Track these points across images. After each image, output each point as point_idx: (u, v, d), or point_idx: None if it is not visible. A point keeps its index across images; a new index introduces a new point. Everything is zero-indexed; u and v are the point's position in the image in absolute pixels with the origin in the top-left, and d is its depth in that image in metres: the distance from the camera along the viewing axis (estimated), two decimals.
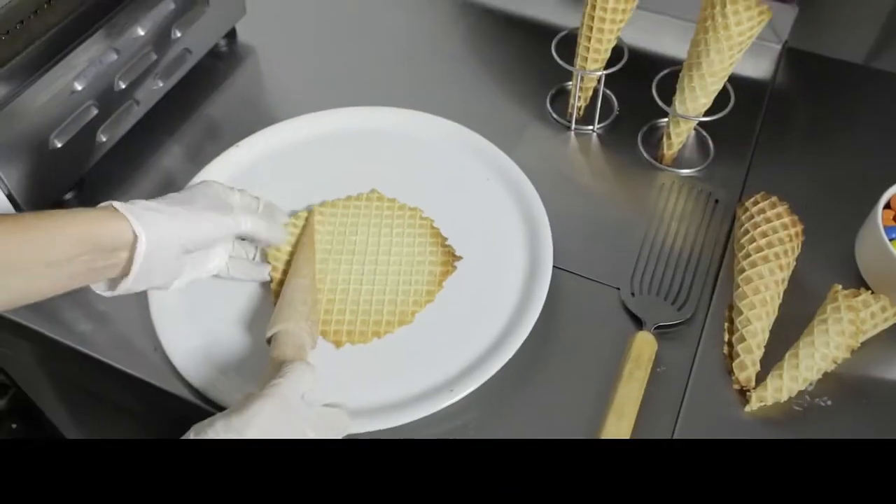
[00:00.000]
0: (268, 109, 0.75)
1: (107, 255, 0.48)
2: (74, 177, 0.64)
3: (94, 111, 0.62)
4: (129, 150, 0.70)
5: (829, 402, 0.54)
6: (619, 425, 0.51)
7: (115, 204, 0.48)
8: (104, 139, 0.65)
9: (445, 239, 0.61)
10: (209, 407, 0.54)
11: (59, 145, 0.60)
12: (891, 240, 0.56)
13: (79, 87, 0.60)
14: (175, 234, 0.50)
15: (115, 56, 0.62)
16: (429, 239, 0.61)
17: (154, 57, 0.67)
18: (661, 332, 0.57)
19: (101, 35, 0.61)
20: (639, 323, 0.58)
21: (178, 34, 0.69)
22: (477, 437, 0.53)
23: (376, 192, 0.64)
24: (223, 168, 0.66)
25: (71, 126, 0.61)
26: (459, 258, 0.60)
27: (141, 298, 0.58)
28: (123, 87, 0.65)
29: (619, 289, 0.60)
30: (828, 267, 0.60)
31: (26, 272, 0.46)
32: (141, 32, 0.64)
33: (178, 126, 0.74)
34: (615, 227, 0.64)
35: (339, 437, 0.50)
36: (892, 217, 0.58)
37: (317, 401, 0.50)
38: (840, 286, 0.55)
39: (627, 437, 0.51)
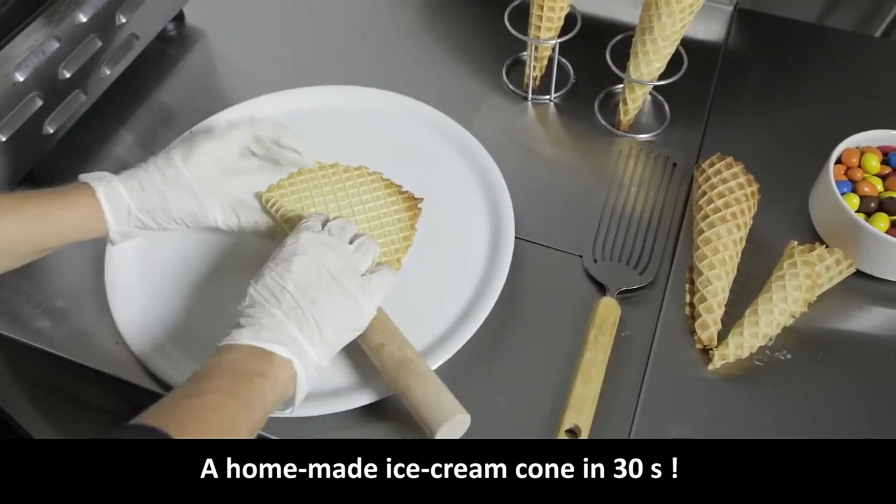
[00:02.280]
0: (221, 93, 0.74)
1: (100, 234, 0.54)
2: (22, 171, 0.63)
3: (39, 102, 0.61)
4: (80, 141, 0.68)
5: (788, 356, 0.55)
6: (586, 390, 0.52)
7: (100, 196, 0.52)
8: (51, 131, 0.63)
9: (400, 186, 0.61)
10: None
11: (4, 139, 0.58)
12: (842, 194, 0.57)
13: (20, 78, 0.58)
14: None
15: (56, 44, 0.60)
16: (384, 191, 0.61)
17: (99, 44, 0.65)
18: (625, 297, 0.58)
19: (40, 23, 0.59)
20: (602, 289, 0.58)
21: (123, 19, 0.67)
22: None
23: (317, 163, 0.63)
24: None
25: (15, 119, 0.59)
26: (421, 199, 0.61)
27: (99, 293, 0.58)
28: (68, 76, 0.63)
29: (581, 256, 0.60)
30: (784, 224, 0.62)
31: (20, 257, 0.51)
32: (83, 19, 0.62)
33: (129, 114, 0.72)
34: (575, 195, 0.65)
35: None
36: (843, 172, 0.59)
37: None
38: (796, 242, 0.56)
39: (595, 400, 0.52)
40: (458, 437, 0.49)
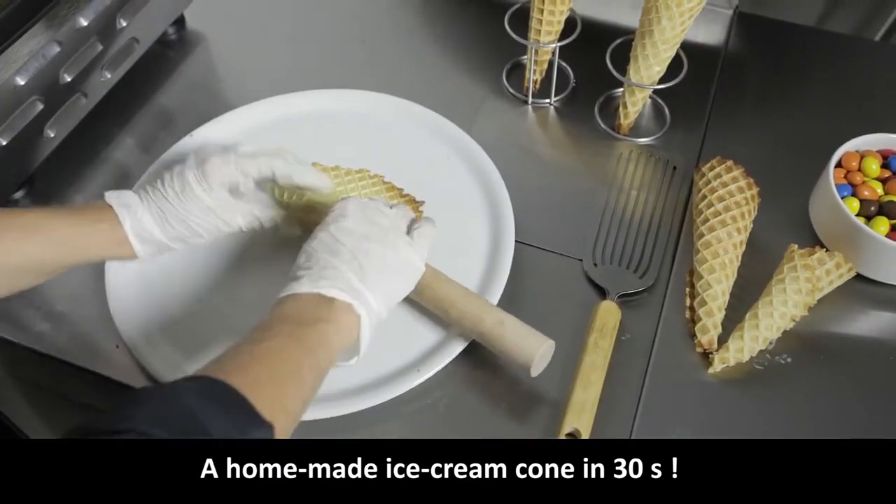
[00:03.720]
0: (221, 96, 0.74)
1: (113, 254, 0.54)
2: (23, 174, 0.63)
3: (40, 106, 0.61)
4: (80, 145, 0.68)
5: (788, 360, 0.55)
6: (586, 394, 0.52)
7: (128, 231, 0.52)
8: (52, 134, 0.63)
9: (401, 189, 0.61)
10: None
11: (4, 143, 0.58)
12: (843, 198, 0.57)
13: (21, 82, 0.58)
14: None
15: (57, 48, 0.60)
16: (386, 194, 0.61)
17: (100, 48, 0.65)
18: (625, 301, 0.58)
19: (40, 27, 0.59)
20: (602, 293, 0.58)
21: (124, 23, 0.67)
22: (446, 415, 0.53)
23: (318, 165, 0.63)
24: (178, 158, 0.65)
25: (15, 122, 0.59)
26: (422, 202, 0.60)
27: (99, 297, 0.58)
28: (69, 79, 0.63)
29: (581, 260, 0.60)
30: (784, 227, 0.62)
31: (43, 275, 0.51)
32: (84, 23, 0.62)
33: (129, 117, 0.72)
34: (575, 198, 0.65)
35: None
36: (843, 175, 0.59)
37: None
38: (796, 245, 0.56)
39: (595, 404, 0.51)
40: (547, 363, 0.53)
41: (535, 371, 0.52)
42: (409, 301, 0.57)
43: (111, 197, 0.53)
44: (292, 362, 0.42)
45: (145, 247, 0.53)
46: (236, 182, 0.55)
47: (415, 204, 0.61)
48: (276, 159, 0.56)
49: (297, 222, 0.58)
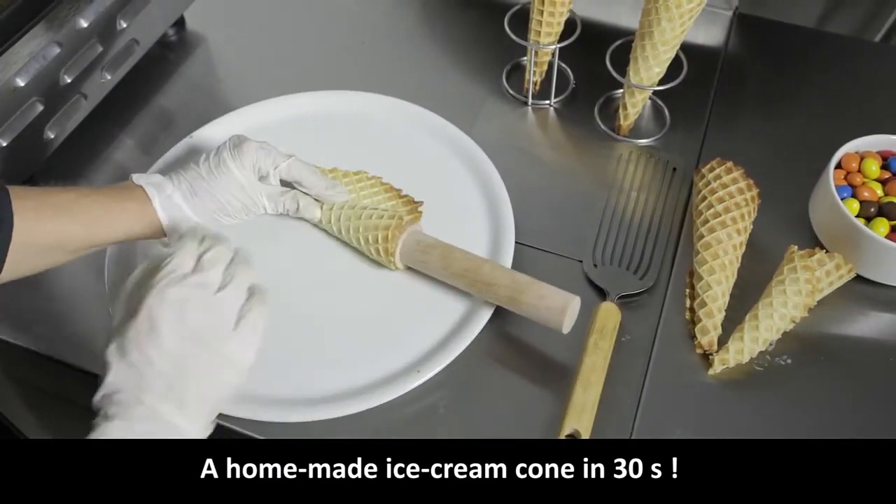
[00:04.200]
0: (221, 98, 0.74)
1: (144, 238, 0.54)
2: (23, 175, 0.63)
3: (40, 107, 0.61)
4: (80, 146, 0.68)
5: (788, 361, 0.55)
6: (586, 395, 0.52)
7: (157, 208, 0.53)
8: (52, 136, 0.63)
9: (400, 190, 0.62)
10: None
11: (5, 144, 0.59)
12: (842, 199, 0.57)
13: (21, 83, 0.58)
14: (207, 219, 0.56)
15: (57, 49, 0.61)
16: (384, 195, 0.61)
17: (100, 49, 0.66)
18: (625, 302, 0.58)
19: (41, 28, 0.59)
20: (602, 294, 0.58)
21: (124, 25, 0.67)
22: (447, 416, 0.53)
23: (316, 166, 0.63)
24: (178, 159, 0.65)
25: (16, 124, 0.59)
26: (421, 203, 0.61)
27: (98, 298, 0.57)
28: (69, 81, 0.63)
29: (581, 261, 0.60)
30: (784, 228, 0.61)
31: (72, 253, 0.51)
32: (84, 24, 0.63)
33: (129, 119, 0.72)
34: (575, 200, 0.65)
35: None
36: (843, 176, 0.59)
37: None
38: (796, 247, 0.56)
39: (595, 405, 0.51)
40: (575, 319, 0.54)
41: (567, 328, 0.53)
42: (407, 301, 0.57)
43: (139, 178, 0.54)
44: None
45: (176, 225, 0.54)
46: (266, 171, 0.57)
47: (413, 205, 0.61)
48: (308, 169, 0.59)
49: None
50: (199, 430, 0.43)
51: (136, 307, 0.43)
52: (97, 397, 0.41)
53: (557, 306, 0.53)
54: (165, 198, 0.54)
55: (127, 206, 0.52)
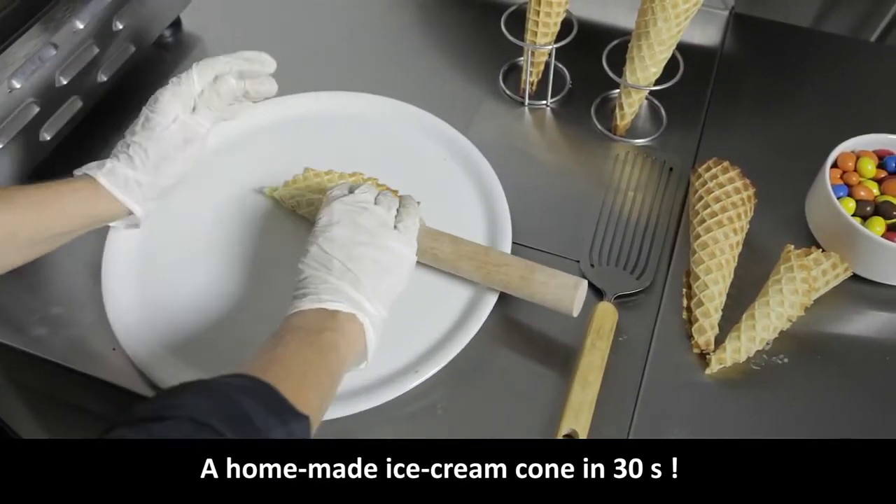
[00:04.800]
0: None
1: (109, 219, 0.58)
2: (19, 177, 0.62)
3: (36, 109, 0.61)
4: (77, 148, 0.68)
5: (785, 360, 0.55)
6: (583, 395, 0.52)
7: (101, 181, 0.55)
8: (48, 137, 0.63)
9: (397, 191, 0.61)
10: None
11: (0, 146, 0.58)
12: (839, 198, 0.57)
13: (17, 85, 0.58)
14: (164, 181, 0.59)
15: (53, 51, 0.60)
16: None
17: (96, 50, 0.65)
18: (622, 302, 0.58)
19: (37, 30, 0.59)
20: (599, 294, 0.58)
21: (120, 26, 0.67)
22: (445, 416, 0.53)
23: (311, 171, 0.63)
24: None
25: (11, 126, 0.59)
26: (418, 203, 0.60)
27: (96, 300, 0.57)
28: (65, 82, 0.63)
29: (578, 261, 0.60)
30: (780, 228, 0.62)
31: (28, 245, 0.53)
32: (80, 25, 0.62)
33: (126, 120, 0.71)
34: (572, 200, 0.65)
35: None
36: (839, 176, 0.60)
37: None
38: (792, 246, 0.57)
39: (592, 405, 0.51)
40: (583, 301, 0.55)
41: (577, 310, 0.54)
42: (406, 301, 0.57)
43: (76, 171, 0.56)
44: (307, 363, 0.45)
45: (129, 193, 0.56)
46: (191, 98, 0.61)
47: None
48: (219, 60, 0.63)
49: (299, 211, 0.62)
50: (377, 307, 0.49)
51: (316, 221, 0.52)
52: (295, 287, 0.50)
53: (569, 283, 0.54)
54: (108, 171, 0.56)
55: (76, 186, 0.55)
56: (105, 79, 0.68)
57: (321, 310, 0.48)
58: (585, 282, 0.54)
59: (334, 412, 0.51)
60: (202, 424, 0.36)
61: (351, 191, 0.54)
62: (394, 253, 0.51)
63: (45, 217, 0.52)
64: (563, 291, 0.54)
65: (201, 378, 0.41)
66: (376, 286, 0.50)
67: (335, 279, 0.49)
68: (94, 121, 0.69)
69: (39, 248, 0.54)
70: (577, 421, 0.51)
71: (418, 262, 0.59)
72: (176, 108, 0.59)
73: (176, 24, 0.78)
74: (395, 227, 0.53)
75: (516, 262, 0.55)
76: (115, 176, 0.56)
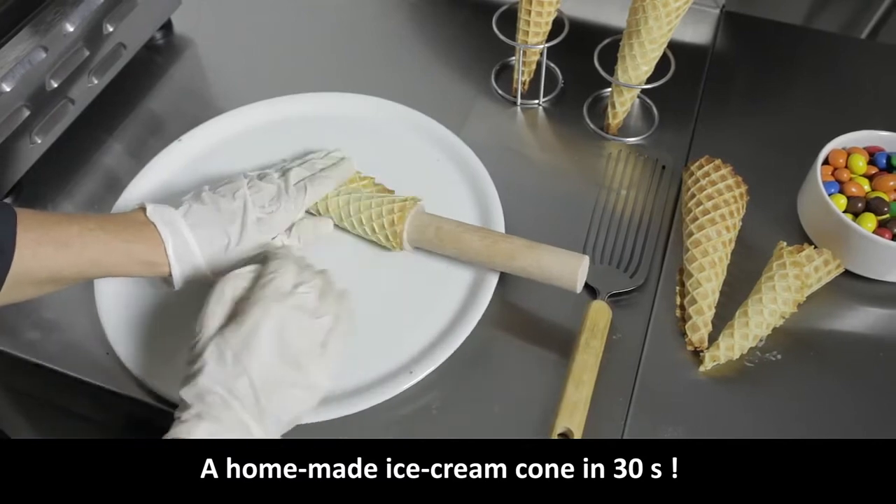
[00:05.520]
0: (210, 101, 0.74)
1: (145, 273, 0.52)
2: (10, 181, 0.62)
3: (26, 113, 0.60)
4: (68, 151, 0.68)
5: (779, 357, 0.55)
6: (577, 393, 0.52)
7: (169, 253, 0.50)
8: (39, 141, 0.63)
9: (392, 191, 0.62)
10: (166, 407, 0.53)
11: None
12: (830, 195, 0.58)
13: (7, 89, 0.58)
14: (210, 263, 0.52)
15: (43, 54, 0.60)
16: (379, 196, 0.61)
17: (86, 53, 0.65)
18: (615, 300, 0.58)
19: (26, 33, 0.59)
20: (593, 292, 0.58)
21: (111, 28, 0.67)
22: (440, 417, 0.53)
23: None
24: (168, 163, 0.65)
25: (2, 129, 0.59)
26: (419, 199, 0.60)
27: (89, 304, 0.57)
28: (56, 86, 0.63)
29: None
30: (772, 225, 0.62)
31: (62, 285, 0.49)
32: (70, 28, 0.62)
33: (117, 123, 0.72)
34: (565, 198, 0.65)
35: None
36: (830, 172, 0.60)
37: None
38: (785, 243, 0.57)
39: (587, 404, 0.52)
40: (584, 278, 0.55)
41: (580, 286, 0.55)
42: (400, 303, 0.57)
43: (154, 212, 0.51)
44: None
45: (181, 268, 0.51)
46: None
47: (411, 200, 0.61)
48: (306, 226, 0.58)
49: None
50: (270, 432, 0.44)
51: (240, 313, 0.45)
52: (188, 392, 0.43)
53: (572, 257, 0.54)
54: (180, 242, 0.50)
55: (132, 248, 0.49)
56: (96, 81, 0.68)
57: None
58: (587, 257, 0.55)
59: (327, 414, 0.51)
60: None
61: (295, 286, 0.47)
62: (312, 388, 0.45)
63: (90, 269, 0.49)
64: (571, 259, 0.54)
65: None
66: (277, 420, 0.44)
67: (238, 408, 0.42)
68: (86, 124, 0.68)
69: (61, 288, 0.51)
70: (572, 420, 0.51)
71: (415, 255, 0.59)
72: (281, 227, 0.56)
73: (167, 27, 0.78)
74: (325, 348, 0.46)
75: (521, 239, 0.56)
76: (184, 248, 0.51)
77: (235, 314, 0.45)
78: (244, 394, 0.42)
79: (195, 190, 0.55)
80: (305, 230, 0.58)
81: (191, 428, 0.41)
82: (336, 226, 0.61)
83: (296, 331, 0.45)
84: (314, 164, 0.61)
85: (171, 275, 0.51)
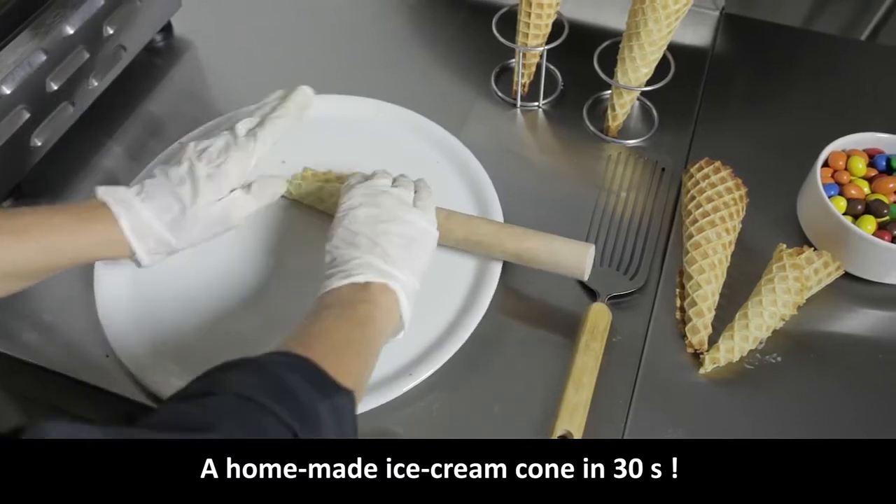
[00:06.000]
0: (210, 103, 0.74)
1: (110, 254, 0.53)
2: (10, 184, 0.62)
3: (26, 115, 0.60)
4: (68, 153, 0.68)
5: (779, 359, 0.55)
6: (577, 396, 0.52)
7: (123, 225, 0.51)
8: (39, 143, 0.63)
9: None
10: None
11: None
12: (830, 197, 0.58)
13: (7, 91, 0.58)
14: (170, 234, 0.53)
15: (43, 57, 0.60)
16: None
17: (86, 55, 0.65)
18: (615, 303, 0.58)
19: (26, 36, 0.59)
20: (593, 295, 0.58)
21: (111, 31, 0.67)
22: (440, 418, 0.53)
23: (309, 170, 0.63)
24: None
25: (2, 132, 0.59)
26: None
27: (88, 306, 0.57)
28: (56, 88, 0.63)
29: None
30: (772, 227, 0.62)
31: (29, 278, 0.51)
32: (70, 31, 0.62)
33: (117, 125, 0.72)
34: (565, 201, 0.65)
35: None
36: (830, 175, 0.60)
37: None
38: (784, 245, 0.57)
39: (586, 406, 0.52)
40: (591, 266, 0.56)
41: (587, 273, 0.56)
42: None
43: (104, 193, 0.51)
44: (346, 338, 0.45)
45: (143, 242, 0.51)
46: (249, 171, 0.57)
47: None
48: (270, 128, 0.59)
49: (313, 204, 0.63)
50: (407, 276, 0.50)
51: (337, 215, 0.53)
52: (325, 268, 0.50)
53: (580, 245, 0.56)
54: (134, 216, 0.51)
55: (92, 227, 0.50)
56: (96, 84, 0.68)
57: (353, 284, 0.48)
58: (591, 251, 0.56)
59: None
60: (247, 399, 0.37)
61: (367, 178, 0.56)
62: (417, 227, 0.53)
63: (55, 257, 0.49)
64: (579, 246, 0.56)
65: (247, 357, 0.41)
66: (404, 258, 0.50)
67: (363, 254, 0.49)
68: (86, 126, 0.68)
69: (38, 279, 0.51)
70: (572, 422, 0.51)
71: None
72: (236, 178, 0.55)
73: (167, 29, 0.78)
74: (415, 205, 0.54)
75: (531, 230, 0.58)
76: (138, 221, 0.51)
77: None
78: (363, 243, 0.50)
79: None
80: (263, 188, 0.58)
81: (327, 281, 0.49)
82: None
83: (383, 197, 0.53)
84: (262, 109, 0.60)
85: (134, 252, 0.52)
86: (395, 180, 0.56)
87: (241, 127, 0.58)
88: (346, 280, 0.48)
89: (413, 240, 0.52)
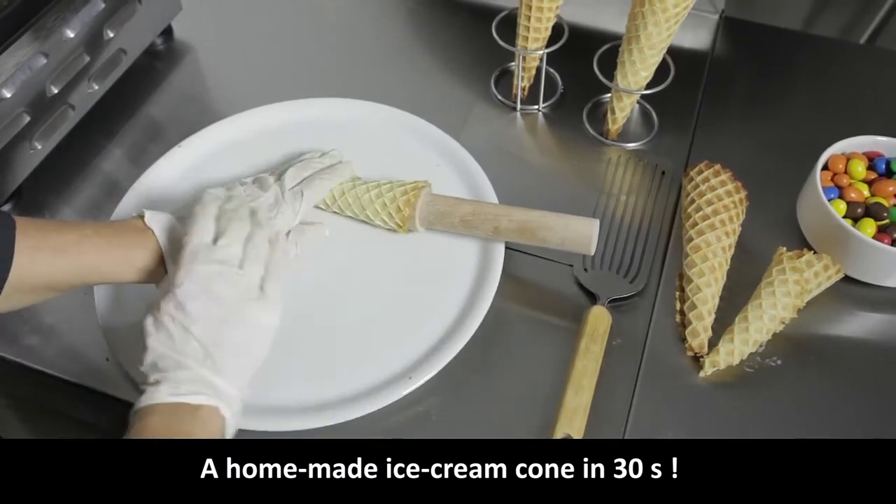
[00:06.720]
0: (210, 106, 0.74)
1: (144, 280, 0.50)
2: (10, 187, 0.62)
3: (26, 118, 0.60)
4: (68, 157, 0.68)
5: (779, 362, 0.55)
6: (577, 399, 0.52)
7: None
8: (39, 147, 0.63)
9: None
10: None
11: None
12: (829, 200, 0.58)
13: (7, 95, 0.58)
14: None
15: (44, 60, 0.60)
16: (385, 184, 0.61)
17: (87, 59, 0.65)
18: (615, 306, 0.58)
19: (26, 39, 0.59)
20: (593, 298, 0.58)
21: (111, 34, 0.67)
22: (439, 422, 0.53)
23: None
24: (168, 169, 0.65)
25: (2, 135, 0.59)
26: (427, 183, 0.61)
27: (89, 309, 0.57)
28: (56, 91, 0.63)
29: (571, 265, 0.60)
30: (772, 230, 0.62)
31: (58, 292, 0.49)
32: (70, 34, 0.62)
33: (117, 129, 0.72)
34: (565, 204, 0.64)
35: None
36: (830, 178, 0.60)
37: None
38: (784, 248, 0.57)
39: (586, 409, 0.51)
40: (596, 242, 0.56)
41: (593, 248, 0.56)
42: (397, 308, 0.57)
43: (151, 219, 0.50)
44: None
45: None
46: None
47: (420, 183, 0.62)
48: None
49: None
50: (238, 388, 0.45)
51: (168, 278, 0.46)
52: (143, 366, 0.44)
53: (585, 221, 0.56)
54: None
55: (131, 255, 0.49)
56: (96, 87, 0.68)
57: (180, 405, 0.42)
58: (595, 225, 0.56)
59: (326, 420, 0.51)
60: None
61: (229, 192, 0.51)
62: (258, 328, 0.46)
63: (89, 276, 0.48)
64: (585, 220, 0.56)
65: None
66: (237, 367, 0.45)
67: (195, 366, 0.43)
68: (86, 130, 0.69)
69: (57, 295, 0.50)
70: (572, 425, 0.51)
71: (415, 258, 0.59)
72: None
73: (167, 32, 0.78)
74: (262, 288, 0.47)
75: (521, 225, 0.58)
76: (172, 244, 0.49)
77: (165, 283, 0.47)
78: (193, 350, 0.44)
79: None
80: (302, 236, 0.58)
81: (153, 393, 0.42)
82: (331, 233, 0.61)
83: (224, 286, 0.46)
84: (310, 163, 0.61)
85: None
86: (247, 235, 0.49)
87: (289, 180, 0.58)
88: (175, 399, 0.42)
89: (250, 345, 0.46)
